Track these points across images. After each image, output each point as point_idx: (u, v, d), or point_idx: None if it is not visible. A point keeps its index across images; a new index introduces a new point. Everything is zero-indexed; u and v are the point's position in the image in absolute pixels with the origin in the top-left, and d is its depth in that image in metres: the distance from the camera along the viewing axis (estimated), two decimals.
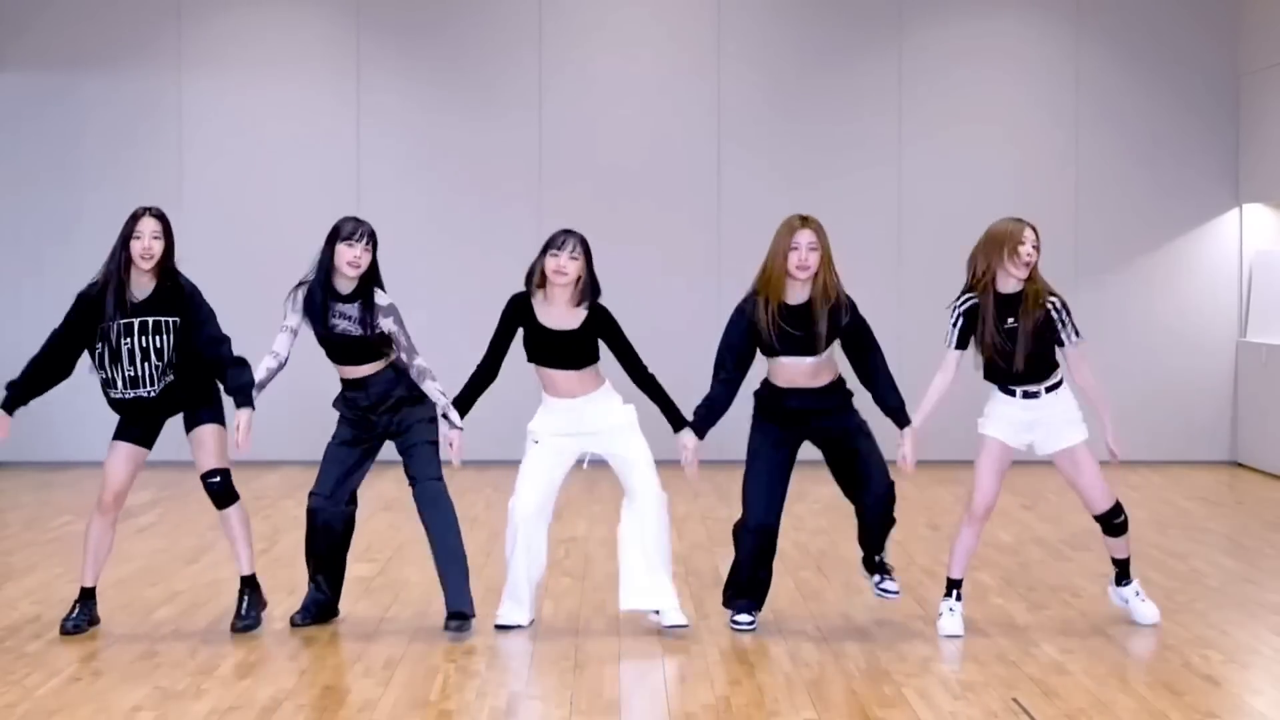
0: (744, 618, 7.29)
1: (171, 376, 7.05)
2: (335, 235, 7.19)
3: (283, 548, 9.40)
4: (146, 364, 7.00)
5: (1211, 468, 13.02)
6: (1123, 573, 7.43)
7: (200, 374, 7.15)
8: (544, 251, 7.17)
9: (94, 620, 7.22)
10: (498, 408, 13.11)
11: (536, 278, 7.23)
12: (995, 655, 6.81)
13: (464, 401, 7.31)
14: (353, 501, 7.52)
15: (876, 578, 7.48)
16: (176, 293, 7.06)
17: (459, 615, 7.14)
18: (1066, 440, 7.18)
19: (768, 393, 7.47)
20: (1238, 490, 12.09)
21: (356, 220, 7.26)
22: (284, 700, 6.11)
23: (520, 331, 7.28)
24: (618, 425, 7.33)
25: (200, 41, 13.48)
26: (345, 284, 7.18)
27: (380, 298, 7.18)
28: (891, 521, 7.37)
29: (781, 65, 13.56)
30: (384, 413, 7.29)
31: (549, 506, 7.38)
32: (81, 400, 13.21)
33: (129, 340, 7.00)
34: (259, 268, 13.11)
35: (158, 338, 7.01)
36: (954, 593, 7.29)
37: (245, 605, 7.23)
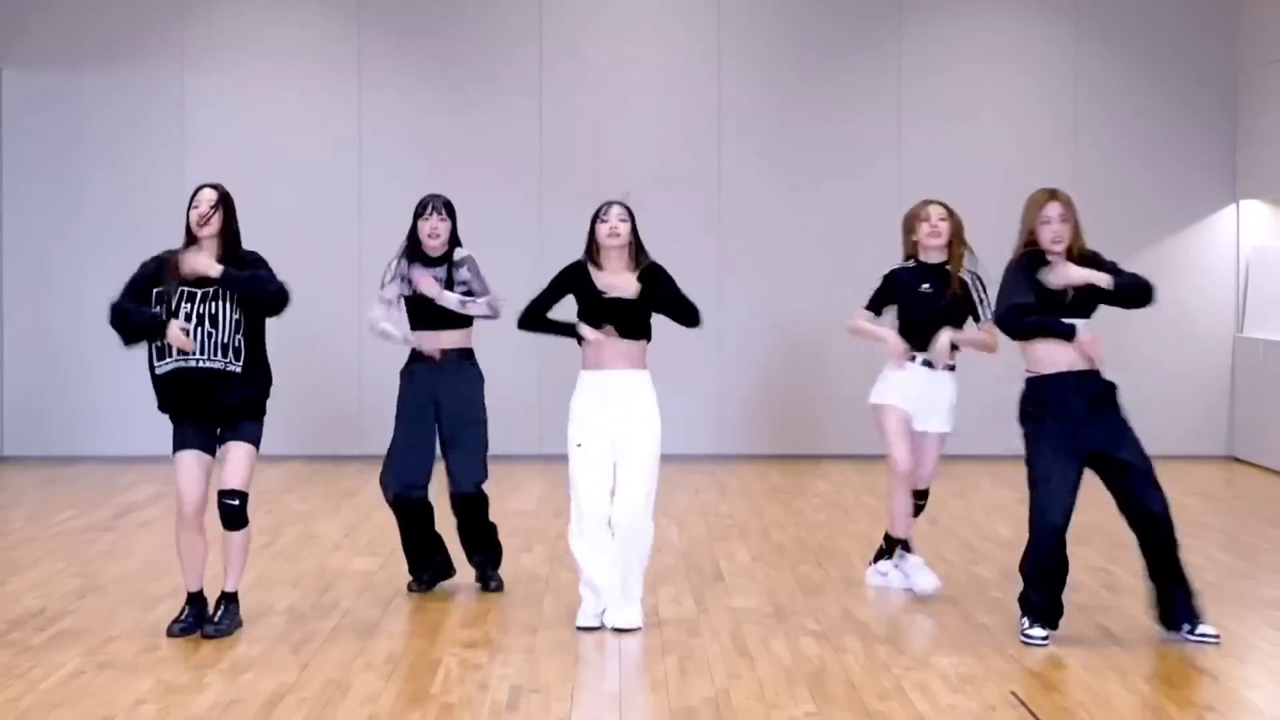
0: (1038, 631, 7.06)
1: (230, 360, 7.01)
2: (416, 213, 8.00)
3: (285, 542, 9.44)
4: (200, 329, 6.97)
5: (1209, 462, 13.05)
6: (890, 550, 8.17)
7: (260, 379, 7.16)
8: (594, 221, 7.36)
9: (204, 619, 7.14)
10: (502, 405, 13.17)
11: (592, 248, 7.36)
12: (994, 649, 6.84)
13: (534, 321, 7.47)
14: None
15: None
16: (237, 263, 7.08)
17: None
18: (936, 426, 8.01)
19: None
20: (1235, 485, 12.13)
21: (432, 195, 8.03)
22: (286, 694, 6.14)
23: (575, 302, 7.33)
24: (642, 423, 7.27)
25: (202, 38, 13.50)
26: (432, 251, 7.95)
27: (457, 253, 7.98)
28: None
29: (781, 61, 13.59)
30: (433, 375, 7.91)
31: (607, 511, 7.25)
32: (85, 396, 13.32)
33: (188, 306, 6.99)
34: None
35: (214, 304, 7.01)
36: (901, 547, 8.05)
37: (221, 614, 7.16)
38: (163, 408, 7.15)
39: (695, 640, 7.03)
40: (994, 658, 6.69)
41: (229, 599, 7.20)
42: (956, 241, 7.96)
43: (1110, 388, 6.99)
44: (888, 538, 8.19)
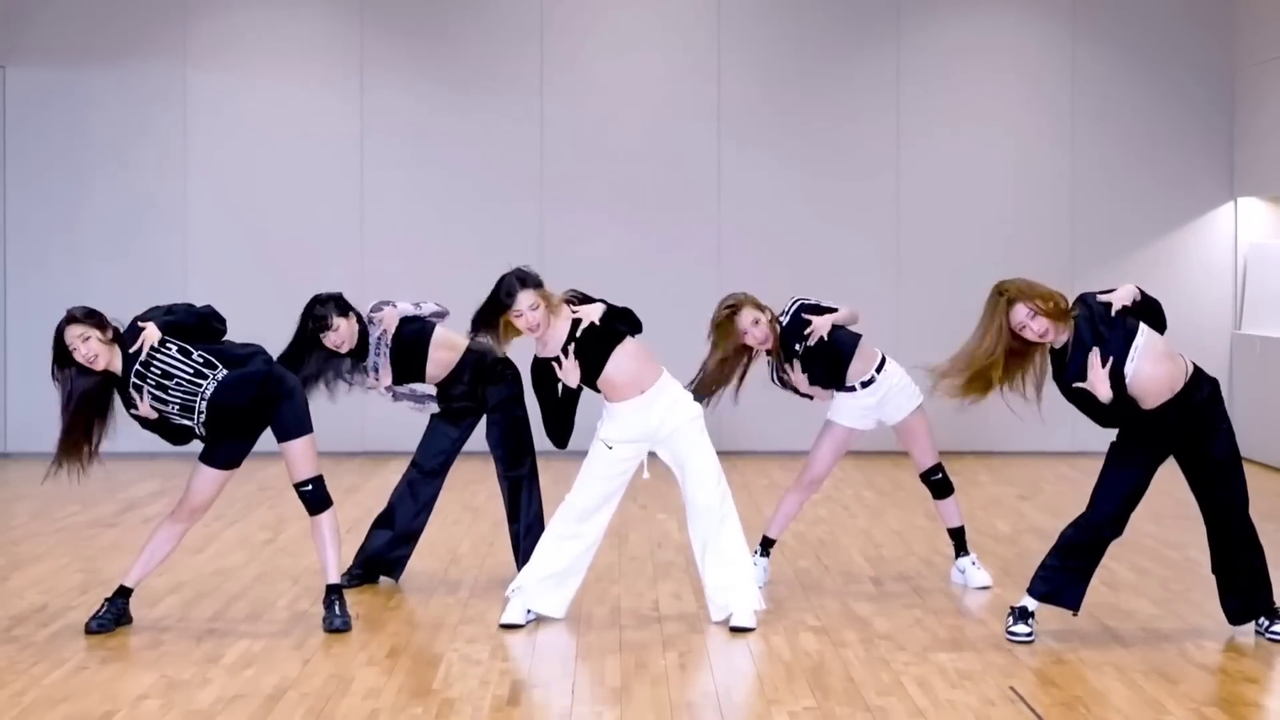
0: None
1: (214, 374, 6.95)
2: (318, 327, 7.86)
3: (287, 538, 9.47)
4: (166, 396, 6.92)
5: None
6: (959, 545, 8.12)
7: (269, 388, 7.10)
8: (499, 309, 7.00)
9: (121, 620, 7.16)
10: None
11: (502, 335, 7.07)
12: (992, 644, 6.87)
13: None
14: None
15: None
16: (130, 343, 6.91)
17: None
18: (908, 409, 8.03)
19: None
20: None
21: (321, 304, 7.86)
22: (288, 689, 6.17)
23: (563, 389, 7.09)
24: (683, 424, 7.11)
25: (206, 37, 13.53)
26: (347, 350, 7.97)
27: (372, 337, 8.00)
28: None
29: (781, 62, 13.61)
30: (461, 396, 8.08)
31: (607, 514, 7.23)
32: None
33: (144, 395, 6.91)
34: (263, 261, 13.18)
35: (163, 372, 6.91)
36: (763, 549, 8.13)
37: (337, 606, 7.14)
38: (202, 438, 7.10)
39: (695, 635, 7.05)
40: (993, 653, 6.72)
41: (335, 593, 7.18)
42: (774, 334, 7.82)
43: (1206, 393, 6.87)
44: (956, 534, 8.17)
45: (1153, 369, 6.74)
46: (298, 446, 7.13)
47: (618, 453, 7.15)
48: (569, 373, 6.97)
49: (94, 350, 6.76)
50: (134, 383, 6.86)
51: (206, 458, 7.13)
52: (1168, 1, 13.64)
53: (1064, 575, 6.83)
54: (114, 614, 7.14)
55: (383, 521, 8.20)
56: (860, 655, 6.71)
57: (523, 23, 13.56)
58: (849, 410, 8.04)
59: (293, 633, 7.09)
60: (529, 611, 7.23)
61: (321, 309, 7.77)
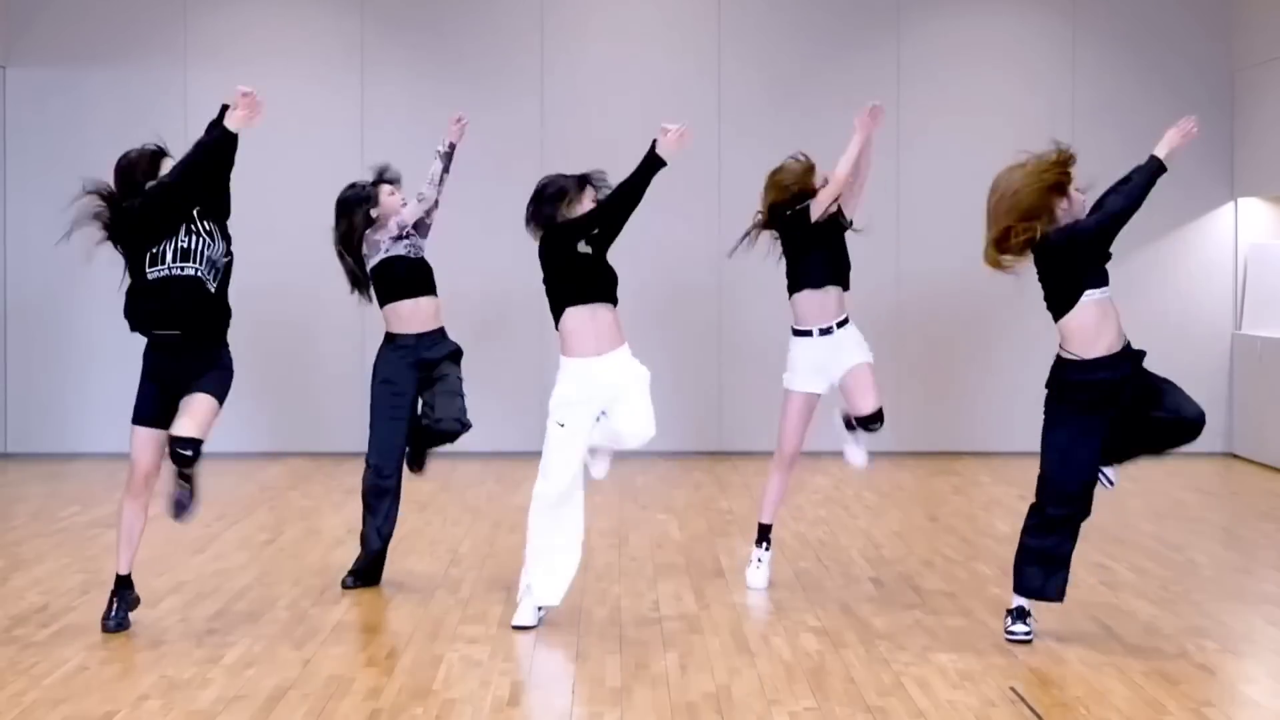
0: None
1: (210, 279, 7.09)
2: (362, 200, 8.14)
3: (287, 539, 9.47)
4: (192, 238, 7.09)
5: (1207, 459, 13.08)
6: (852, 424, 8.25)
7: (226, 309, 7.20)
8: (557, 200, 7.29)
9: (134, 604, 7.18)
10: (501, 402, 13.24)
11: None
12: (993, 644, 6.88)
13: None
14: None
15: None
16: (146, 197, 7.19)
17: None
18: (858, 358, 8.03)
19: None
20: (1233, 481, 12.16)
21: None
22: (289, 689, 6.17)
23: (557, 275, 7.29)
24: (630, 381, 7.27)
25: (206, 35, 13.53)
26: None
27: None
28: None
29: (781, 57, 13.62)
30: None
31: (578, 492, 7.32)
32: (89, 392, 13.34)
33: (191, 223, 7.13)
34: (263, 259, 13.17)
35: (205, 222, 7.16)
36: (765, 542, 8.10)
37: (115, 605, 7.15)
38: (134, 321, 7.14)
39: (696, 636, 7.06)
40: (993, 654, 6.73)
41: (124, 586, 7.20)
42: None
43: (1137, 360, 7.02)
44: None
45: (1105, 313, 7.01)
46: (206, 402, 7.08)
47: (570, 426, 7.21)
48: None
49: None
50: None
51: (137, 418, 7.15)
52: (1168, 2, 13.64)
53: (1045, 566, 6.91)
54: (125, 607, 7.16)
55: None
56: (860, 656, 6.72)
57: (523, 20, 13.56)
58: (802, 370, 8.04)
59: (293, 633, 7.09)
60: (539, 610, 7.25)
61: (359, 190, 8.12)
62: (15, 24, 13.45)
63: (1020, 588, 6.95)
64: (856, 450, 8.26)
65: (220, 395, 7.13)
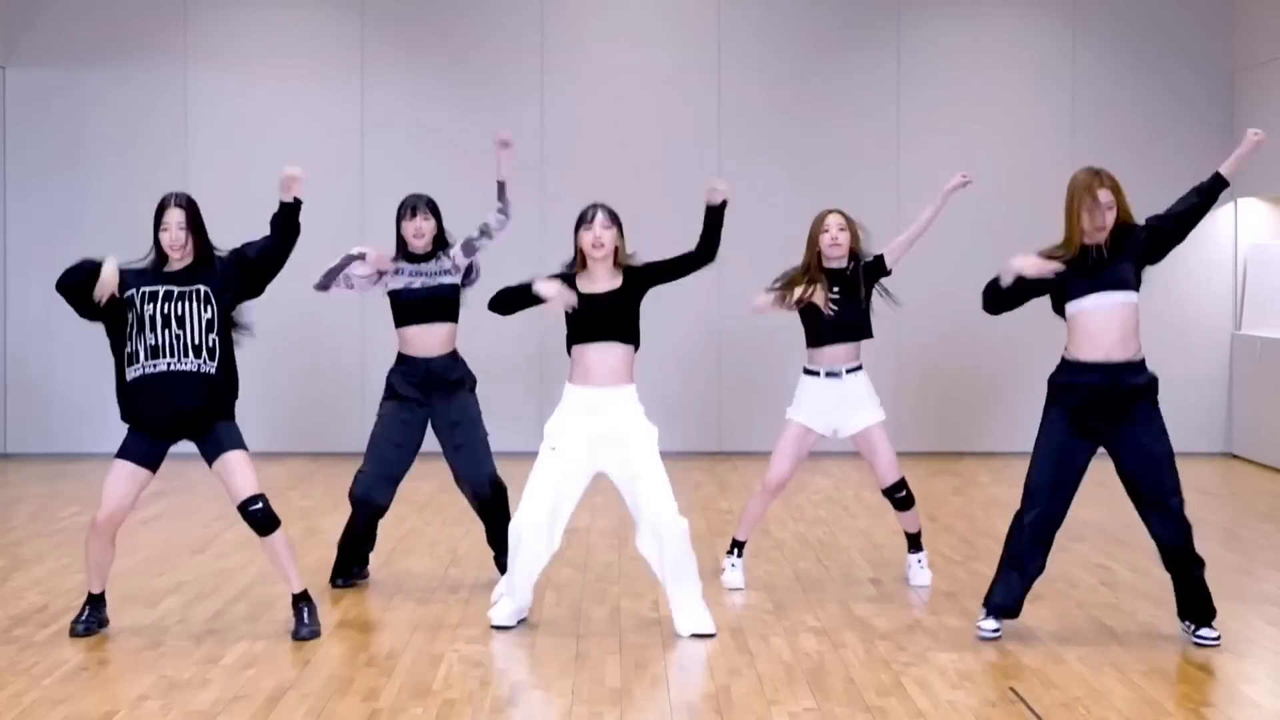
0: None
1: (204, 360, 6.91)
2: (399, 214, 8.15)
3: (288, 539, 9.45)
4: (168, 331, 6.88)
5: (1207, 459, 13.09)
6: (913, 544, 8.25)
7: (233, 383, 7.04)
8: (576, 229, 7.22)
9: (103, 623, 7.13)
10: (502, 402, 13.23)
11: (577, 259, 7.23)
12: (992, 645, 6.88)
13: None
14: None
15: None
16: (208, 264, 7.03)
17: None
18: (865, 421, 8.01)
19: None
20: (1232, 482, 12.17)
21: (414, 195, 8.23)
22: (288, 690, 6.17)
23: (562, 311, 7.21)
24: (637, 439, 7.10)
25: (205, 36, 13.53)
26: (417, 250, 8.15)
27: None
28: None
29: (781, 59, 13.62)
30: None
31: (559, 527, 7.15)
32: (89, 392, 13.34)
33: (152, 306, 6.90)
34: None
35: (181, 304, 6.91)
36: (736, 550, 8.17)
37: (306, 616, 7.07)
38: (126, 418, 7.00)
39: (695, 636, 7.05)
40: (993, 654, 6.73)
41: (303, 599, 7.09)
42: (856, 248, 8.17)
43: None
44: (912, 538, 8.26)
45: (1110, 314, 6.85)
46: (238, 458, 7.02)
47: (562, 454, 7.08)
48: (560, 298, 7.07)
49: (180, 240, 7.00)
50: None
51: (124, 453, 7.03)
52: (1168, 2, 13.65)
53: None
54: (96, 619, 7.09)
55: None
56: (860, 656, 6.72)
57: (523, 20, 13.57)
58: (806, 406, 8.06)
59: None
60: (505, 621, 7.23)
61: (418, 199, 8.18)
62: (15, 24, 13.45)
63: (986, 598, 7.05)
64: (920, 572, 8.24)
65: (242, 443, 7.07)
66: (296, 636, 6.99)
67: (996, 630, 6.97)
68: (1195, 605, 6.89)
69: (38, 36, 13.46)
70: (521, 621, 7.28)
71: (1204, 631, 6.84)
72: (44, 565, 8.63)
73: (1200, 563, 6.86)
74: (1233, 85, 13.55)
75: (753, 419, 13.28)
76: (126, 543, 9.27)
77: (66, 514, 10.31)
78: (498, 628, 7.18)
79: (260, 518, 6.98)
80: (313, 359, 13.33)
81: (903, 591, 8.01)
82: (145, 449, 7.01)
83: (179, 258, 7.00)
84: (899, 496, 8.12)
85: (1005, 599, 7.00)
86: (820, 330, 8.06)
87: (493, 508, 8.02)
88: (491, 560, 8.30)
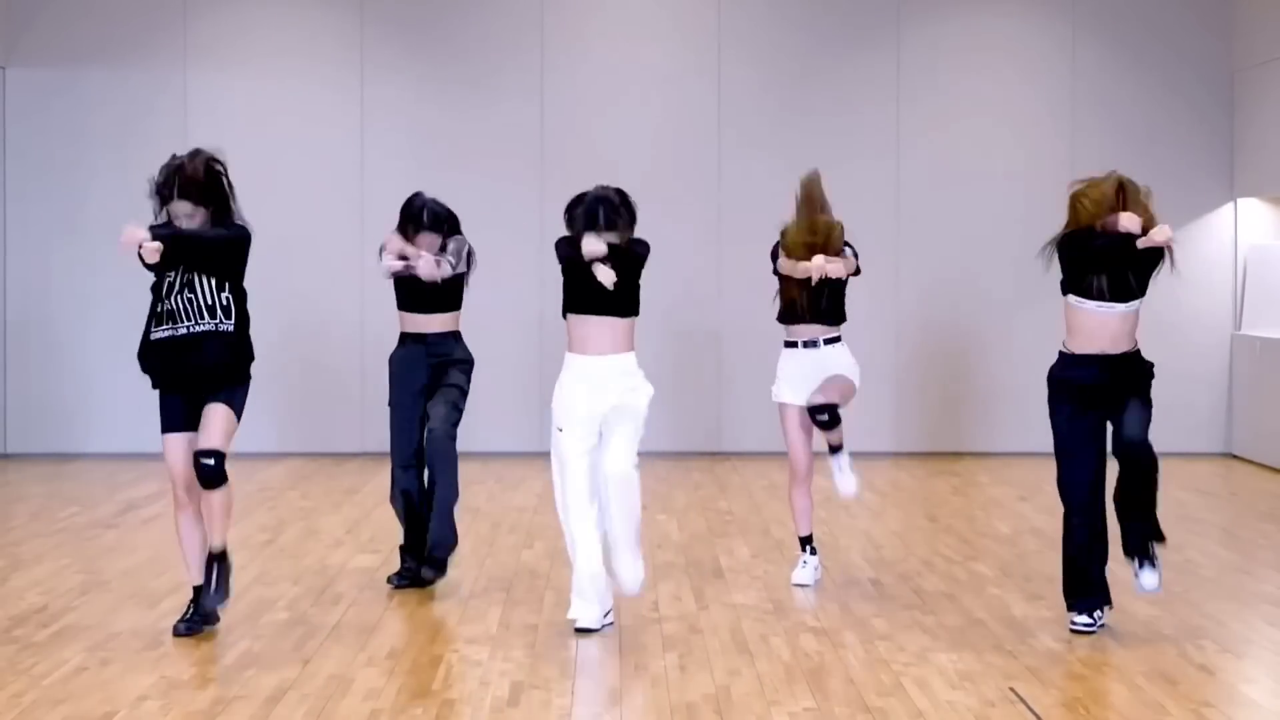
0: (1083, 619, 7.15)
1: (221, 320, 7.01)
2: (406, 214, 8.25)
3: (287, 539, 9.47)
4: (180, 297, 7.02)
5: (1206, 459, 13.08)
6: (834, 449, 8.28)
7: (248, 341, 7.13)
8: (579, 228, 7.11)
9: (209, 619, 7.11)
10: (502, 402, 13.24)
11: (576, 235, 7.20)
12: (992, 645, 6.88)
13: None
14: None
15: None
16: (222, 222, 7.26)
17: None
18: (837, 373, 8.06)
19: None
20: (1232, 482, 12.17)
21: (423, 207, 8.24)
22: (288, 690, 6.17)
23: (563, 279, 7.19)
24: (632, 398, 7.14)
25: (205, 36, 13.53)
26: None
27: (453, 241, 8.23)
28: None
29: (782, 57, 13.62)
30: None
31: (597, 508, 7.18)
32: (89, 393, 13.34)
33: (172, 275, 7.05)
34: (263, 259, 13.13)
35: (188, 272, 7.04)
36: (807, 548, 8.20)
37: (216, 576, 7.03)
38: (147, 370, 7.10)
39: (695, 636, 7.06)
40: (993, 654, 6.73)
41: (218, 559, 7.06)
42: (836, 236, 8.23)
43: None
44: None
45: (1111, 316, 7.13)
46: (218, 411, 7.03)
47: (569, 434, 7.11)
48: (605, 275, 6.99)
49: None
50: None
51: (166, 426, 7.10)
52: (1168, 2, 13.64)
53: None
54: (201, 617, 7.09)
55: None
56: (860, 656, 6.72)
57: (523, 19, 13.56)
58: (788, 382, 8.12)
59: (293, 634, 7.08)
60: (607, 614, 7.22)
61: (426, 213, 8.19)
62: (15, 24, 13.45)
63: (1066, 594, 7.20)
64: (843, 478, 8.28)
65: (234, 403, 7.08)
66: (202, 601, 7.02)
67: (1089, 624, 7.05)
68: (1141, 531, 7.02)
69: (38, 36, 13.46)
70: (608, 624, 7.21)
71: (1146, 577, 7.03)
72: (44, 565, 8.63)
73: (1156, 464, 6.97)
74: (1233, 85, 13.55)
75: (753, 419, 13.27)
76: (127, 543, 9.29)
77: (66, 514, 10.31)
78: (581, 630, 7.11)
79: (208, 472, 6.99)
80: (313, 359, 13.32)
81: (903, 591, 8.00)
82: (181, 412, 7.07)
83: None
84: (820, 418, 8.02)
85: (1087, 592, 7.09)
86: (794, 312, 8.15)
87: (430, 462, 8.04)
88: (491, 560, 8.30)
